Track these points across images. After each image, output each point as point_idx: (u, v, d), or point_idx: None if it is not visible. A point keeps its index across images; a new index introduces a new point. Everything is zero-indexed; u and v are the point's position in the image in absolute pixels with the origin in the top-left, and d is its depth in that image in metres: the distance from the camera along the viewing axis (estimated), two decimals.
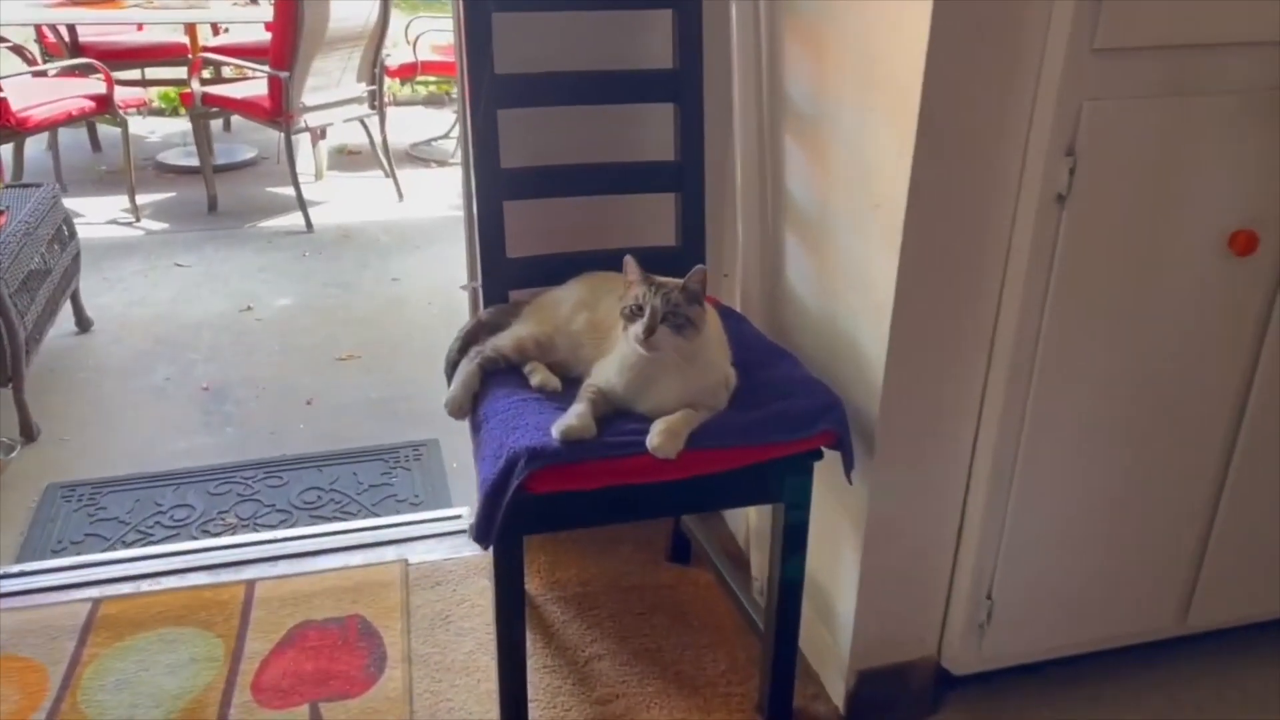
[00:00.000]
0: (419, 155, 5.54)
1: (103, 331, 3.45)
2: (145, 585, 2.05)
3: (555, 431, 1.41)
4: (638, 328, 1.42)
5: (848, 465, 1.54)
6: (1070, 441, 1.60)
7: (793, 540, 1.58)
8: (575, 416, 1.42)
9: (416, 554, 2.15)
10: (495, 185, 1.73)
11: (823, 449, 1.52)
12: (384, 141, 4.88)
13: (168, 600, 2.00)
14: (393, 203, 4.81)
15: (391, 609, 1.98)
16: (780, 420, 1.49)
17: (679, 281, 1.45)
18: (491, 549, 1.46)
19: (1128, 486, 1.67)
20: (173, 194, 4.86)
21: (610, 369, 1.50)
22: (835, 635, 1.78)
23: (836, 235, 1.64)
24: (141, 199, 4.62)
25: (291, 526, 2.38)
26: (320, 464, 2.67)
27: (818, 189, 1.70)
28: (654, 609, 2.00)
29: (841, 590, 1.74)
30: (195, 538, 2.33)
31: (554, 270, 1.75)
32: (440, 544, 2.19)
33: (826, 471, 1.54)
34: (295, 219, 4.47)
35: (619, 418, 1.47)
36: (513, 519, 1.41)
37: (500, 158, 1.72)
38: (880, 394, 1.54)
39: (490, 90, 1.70)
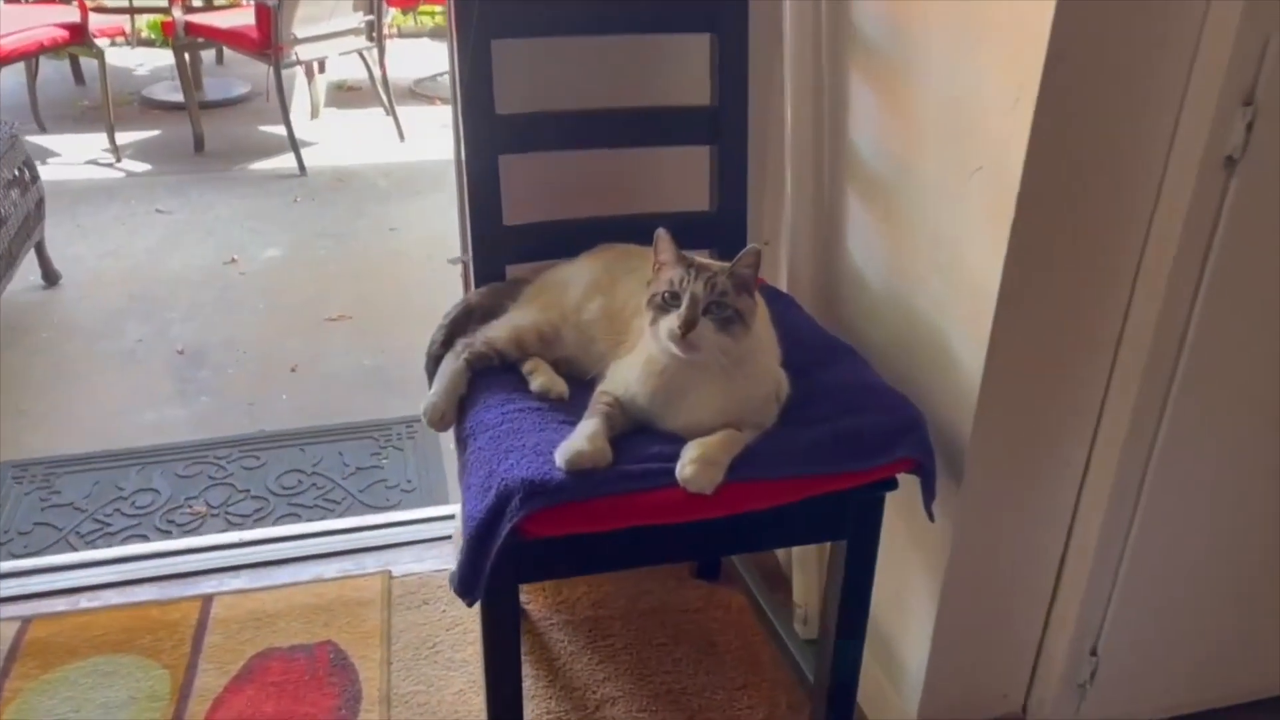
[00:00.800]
0: (422, 92, 5.22)
1: (71, 286, 3.24)
2: (84, 601, 1.77)
3: (560, 459, 1.12)
4: (671, 321, 1.12)
5: (928, 498, 1.24)
6: (1210, 469, 1.33)
7: (856, 584, 1.29)
8: (585, 439, 1.13)
9: (402, 564, 1.87)
10: (489, 135, 1.44)
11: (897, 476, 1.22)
12: (384, 77, 4.58)
13: (108, 620, 1.72)
14: (393, 143, 4.56)
15: (370, 634, 1.70)
16: (847, 442, 1.19)
17: (725, 265, 1.15)
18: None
19: (1275, 521, 1.37)
20: (157, 132, 4.61)
21: (631, 373, 1.21)
22: (900, 687, 1.49)
23: (918, 202, 1.33)
24: (124, 137, 4.38)
25: (267, 515, 2.17)
26: (302, 442, 2.46)
27: (893, 143, 1.38)
28: (677, 638, 1.72)
29: (911, 636, 1.45)
30: (158, 528, 2.13)
31: (561, 241, 1.48)
32: (429, 552, 1.90)
33: (894, 493, 1.24)
34: (287, 160, 4.23)
35: (641, 435, 1.18)
36: (504, 567, 1.12)
37: (495, 101, 1.43)
38: (975, 407, 1.25)
39: (482, 16, 1.40)
